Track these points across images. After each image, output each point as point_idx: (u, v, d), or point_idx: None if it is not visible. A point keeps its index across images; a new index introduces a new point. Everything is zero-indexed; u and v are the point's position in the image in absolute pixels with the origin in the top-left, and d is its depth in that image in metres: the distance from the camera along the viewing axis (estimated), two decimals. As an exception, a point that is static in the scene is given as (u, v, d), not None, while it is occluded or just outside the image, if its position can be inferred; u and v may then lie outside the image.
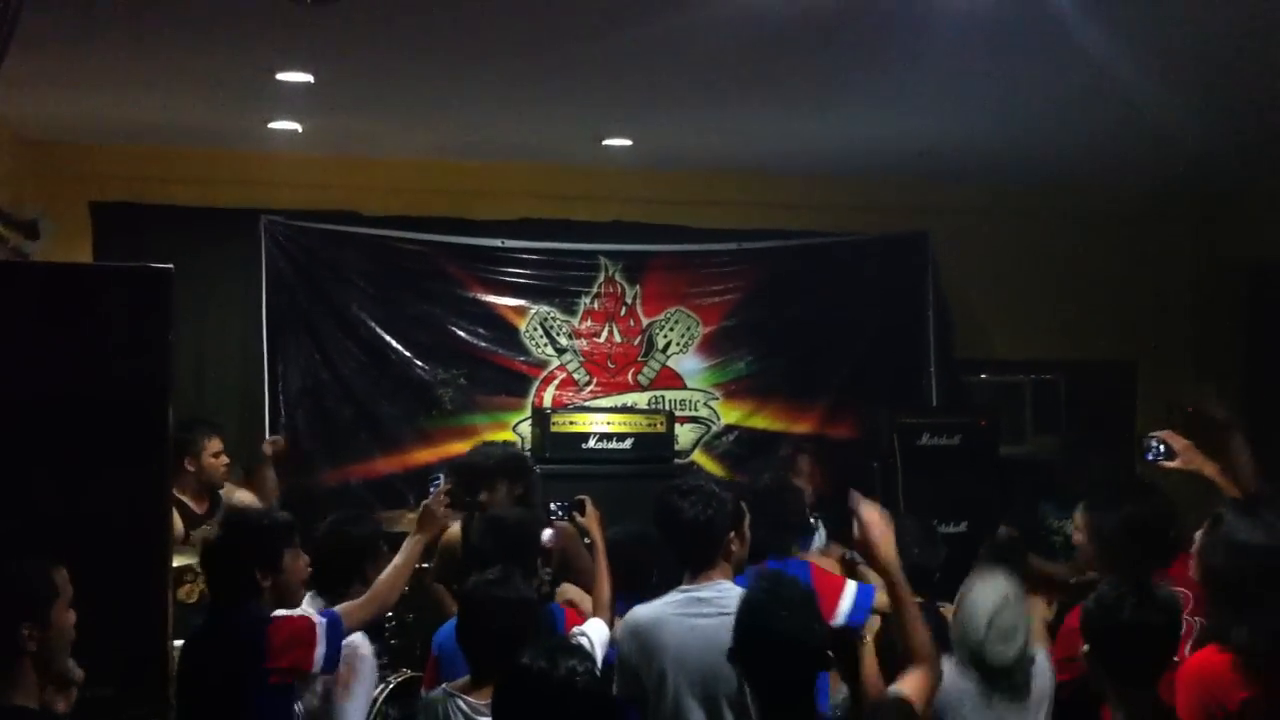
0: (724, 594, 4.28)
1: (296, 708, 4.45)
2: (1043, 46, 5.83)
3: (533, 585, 4.68)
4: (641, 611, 4.47)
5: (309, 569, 4.68)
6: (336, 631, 4.33)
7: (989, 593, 4.17)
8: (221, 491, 6.89)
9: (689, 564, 4.40)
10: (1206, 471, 4.73)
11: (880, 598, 4.90)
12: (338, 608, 4.48)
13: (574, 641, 3.78)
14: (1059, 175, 8.99)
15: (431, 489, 4.99)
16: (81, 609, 4.38)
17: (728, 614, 4.10)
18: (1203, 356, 9.61)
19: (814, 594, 3.73)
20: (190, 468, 6.68)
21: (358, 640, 4.68)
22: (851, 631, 4.57)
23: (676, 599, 4.35)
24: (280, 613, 4.44)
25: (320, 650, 4.27)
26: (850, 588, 4.86)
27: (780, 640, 3.51)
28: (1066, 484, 7.15)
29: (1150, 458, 4.90)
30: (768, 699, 3.55)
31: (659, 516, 4.48)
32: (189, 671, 4.41)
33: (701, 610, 4.27)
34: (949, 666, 4.35)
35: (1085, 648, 3.65)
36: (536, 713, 3.36)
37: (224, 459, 6.92)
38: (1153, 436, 4.92)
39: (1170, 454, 4.83)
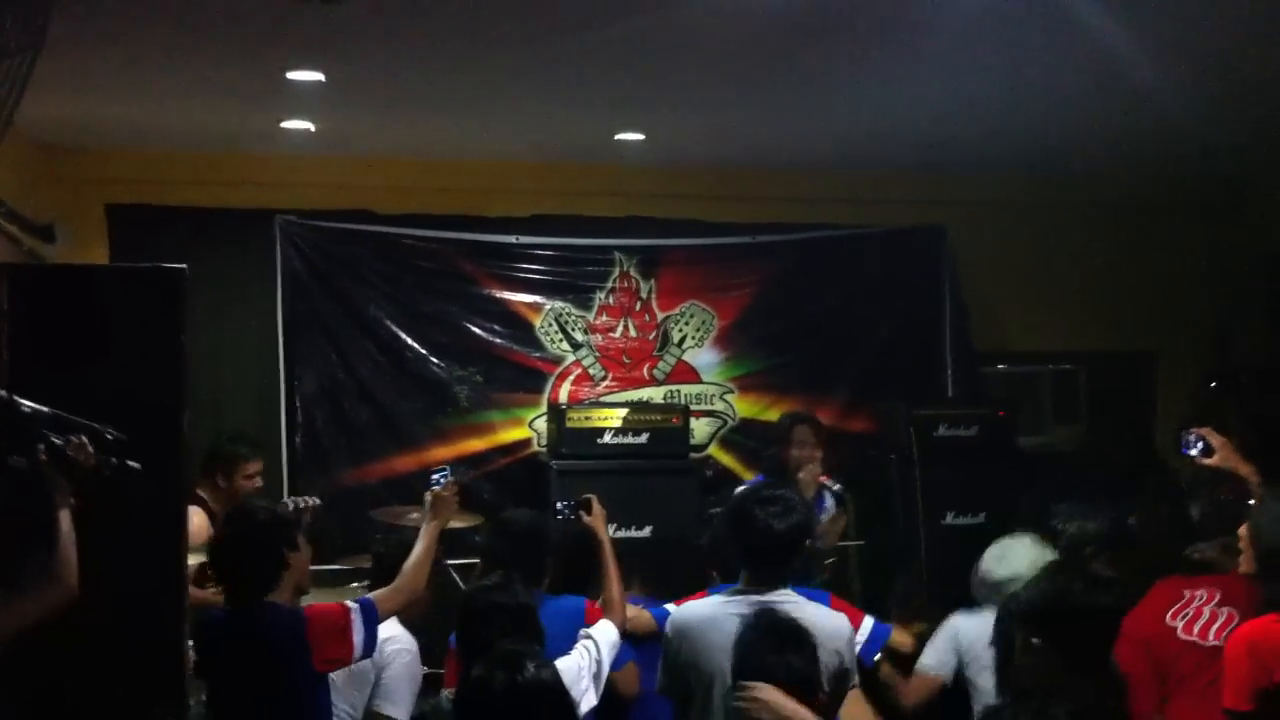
0: (786, 599, 4.29)
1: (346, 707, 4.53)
2: (1056, 35, 5.80)
3: (539, 589, 4.70)
4: (693, 609, 4.47)
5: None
6: (372, 615, 4.37)
7: (1029, 551, 4.99)
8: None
9: (757, 571, 4.40)
10: (1242, 471, 4.72)
11: (896, 637, 4.99)
12: (371, 595, 4.54)
13: (531, 645, 3.75)
14: (1075, 165, 8.95)
15: (438, 479, 4.98)
16: (97, 610, 4.41)
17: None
18: (1222, 346, 9.56)
19: (805, 630, 3.78)
20: (222, 483, 6.68)
21: (402, 638, 4.73)
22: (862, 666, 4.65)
23: (734, 599, 4.33)
24: (311, 604, 4.51)
25: (359, 637, 4.32)
26: (867, 623, 4.86)
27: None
28: (1085, 478, 7.10)
29: (1189, 452, 4.89)
30: None
31: (734, 521, 4.49)
32: (222, 669, 4.41)
33: None
34: (969, 617, 4.75)
35: (1035, 640, 3.63)
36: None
37: (258, 481, 6.93)
38: (1191, 432, 4.90)
39: (1209, 450, 4.81)
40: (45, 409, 3.81)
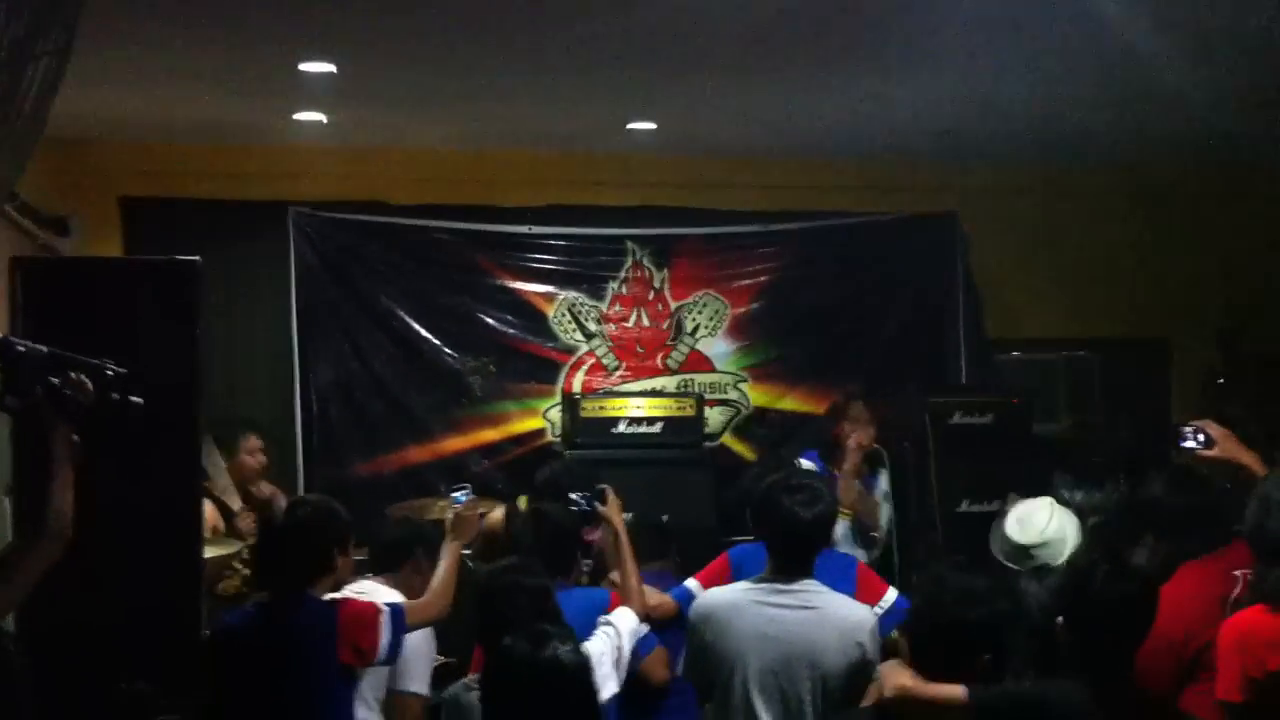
0: (810, 589, 4.25)
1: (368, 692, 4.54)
2: (1070, 22, 5.78)
3: (567, 576, 4.71)
4: (716, 595, 4.46)
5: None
6: (400, 623, 4.37)
7: (1048, 515, 4.99)
8: (253, 489, 6.93)
9: (783, 560, 4.35)
10: (1244, 460, 4.64)
11: None
12: (402, 603, 4.53)
13: (560, 625, 3.72)
14: (1089, 153, 8.92)
15: (458, 498, 4.97)
16: (114, 603, 4.42)
17: (811, 609, 4.10)
18: (1233, 335, 9.53)
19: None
20: (224, 462, 6.71)
21: None
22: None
23: (757, 586, 4.32)
24: (346, 595, 4.54)
25: (385, 638, 4.32)
26: (890, 594, 4.81)
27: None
28: (1086, 458, 7.09)
29: (1188, 445, 4.78)
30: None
31: (760, 511, 4.46)
32: (246, 660, 4.38)
33: (783, 601, 4.22)
34: None
35: (1060, 620, 3.60)
36: (521, 694, 3.36)
37: (260, 457, 6.96)
38: (1189, 425, 4.80)
39: (1209, 442, 4.72)
40: (42, 348, 3.46)
